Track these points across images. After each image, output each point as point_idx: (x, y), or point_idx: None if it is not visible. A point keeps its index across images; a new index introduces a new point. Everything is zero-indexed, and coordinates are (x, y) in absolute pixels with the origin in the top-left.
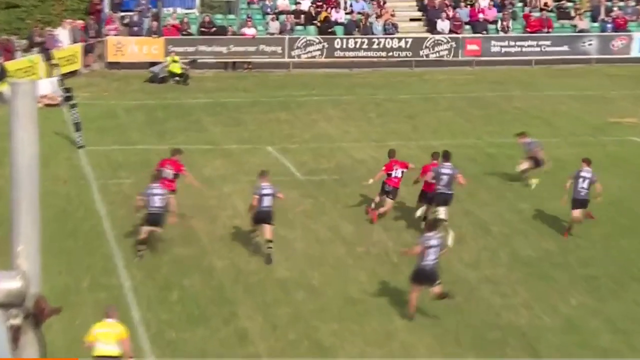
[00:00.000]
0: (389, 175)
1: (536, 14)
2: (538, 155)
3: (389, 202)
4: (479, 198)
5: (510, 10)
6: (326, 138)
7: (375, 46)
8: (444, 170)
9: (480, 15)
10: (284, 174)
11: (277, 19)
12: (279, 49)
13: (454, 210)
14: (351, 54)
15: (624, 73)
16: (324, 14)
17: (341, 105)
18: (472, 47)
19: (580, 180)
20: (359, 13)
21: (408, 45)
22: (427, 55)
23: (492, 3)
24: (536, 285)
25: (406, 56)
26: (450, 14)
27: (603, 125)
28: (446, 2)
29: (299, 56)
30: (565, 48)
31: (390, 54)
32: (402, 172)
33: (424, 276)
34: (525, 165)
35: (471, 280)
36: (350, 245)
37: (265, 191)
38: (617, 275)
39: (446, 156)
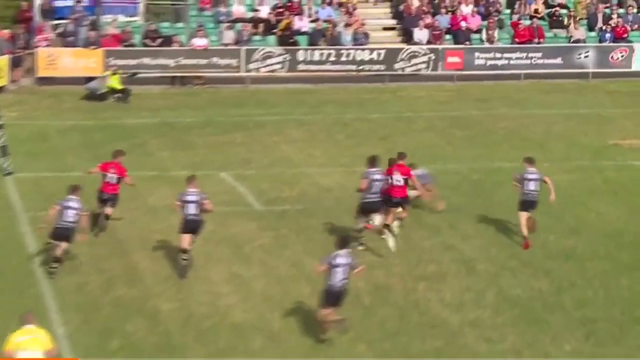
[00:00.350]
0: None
1: (526, 22)
2: (424, 187)
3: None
4: (462, 230)
5: (497, 18)
6: (288, 163)
7: (343, 58)
8: (376, 177)
9: (463, 24)
10: (239, 203)
11: (233, 28)
12: (234, 62)
13: (433, 243)
14: (316, 67)
15: (624, 89)
16: (285, 22)
17: (305, 126)
18: (453, 59)
19: (526, 182)
20: (325, 21)
21: (381, 58)
22: (402, 69)
23: (475, 10)
24: (526, 329)
25: (379, 70)
26: (429, 22)
27: (601, 148)
28: (424, 8)
29: (257, 70)
30: (558, 61)
31: (361, 67)
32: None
33: (333, 297)
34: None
35: (453, 324)
36: (316, 284)
37: (189, 197)
38: (617, 318)
39: (374, 161)
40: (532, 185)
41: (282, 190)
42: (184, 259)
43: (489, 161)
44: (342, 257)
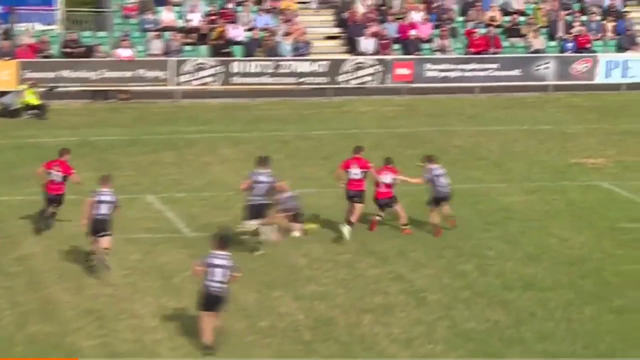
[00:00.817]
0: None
1: (481, 31)
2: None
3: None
4: (412, 258)
5: (449, 26)
6: (222, 185)
7: (282, 70)
8: (261, 178)
9: (412, 32)
10: (168, 229)
11: (161, 37)
12: (162, 75)
13: (380, 272)
14: (253, 80)
15: (587, 103)
16: (218, 31)
17: (240, 145)
18: (402, 71)
19: (436, 178)
20: (262, 29)
21: (323, 69)
22: (347, 82)
23: (426, 17)
24: None
25: (321, 83)
26: (376, 30)
27: (563, 168)
28: (370, 15)
29: (187, 83)
30: (516, 72)
31: (302, 80)
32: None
33: (209, 301)
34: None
35: None
36: (252, 319)
37: (103, 197)
38: (580, 352)
39: (263, 162)
40: (442, 180)
41: (215, 215)
42: (91, 260)
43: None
44: (220, 258)
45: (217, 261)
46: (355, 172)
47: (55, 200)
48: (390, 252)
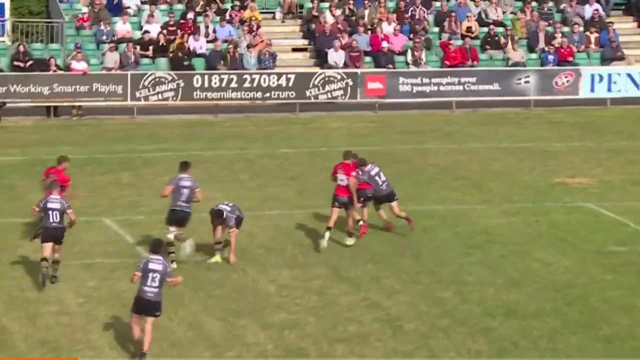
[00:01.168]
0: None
1: (457, 43)
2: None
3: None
4: (387, 285)
5: (424, 38)
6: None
7: (247, 85)
8: (183, 183)
9: (384, 44)
10: (126, 254)
11: (117, 49)
12: (119, 89)
13: (353, 300)
14: (215, 95)
15: (570, 119)
16: (178, 43)
17: (203, 164)
18: (374, 85)
19: (374, 178)
20: (224, 41)
21: (290, 83)
22: (315, 96)
23: (399, 28)
24: None
25: (288, 97)
26: (346, 42)
27: (546, 188)
28: (339, 26)
29: (145, 98)
30: (495, 87)
31: (267, 94)
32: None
33: (140, 305)
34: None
35: None
36: (217, 349)
37: (51, 204)
38: None
39: (184, 166)
40: (379, 179)
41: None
42: (45, 267)
43: (417, 204)
44: (153, 263)
45: (150, 265)
46: (341, 178)
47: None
48: (364, 278)
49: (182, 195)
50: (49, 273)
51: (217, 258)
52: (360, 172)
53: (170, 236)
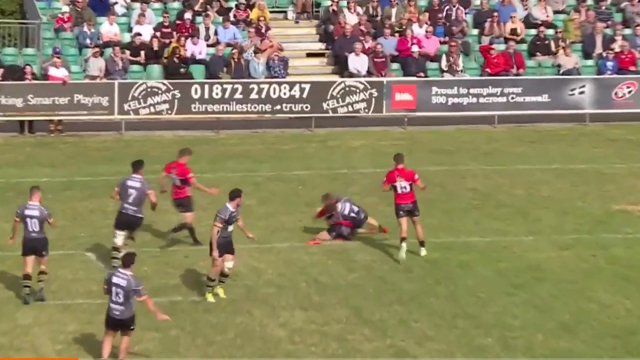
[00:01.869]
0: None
1: (500, 47)
2: None
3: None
4: (417, 330)
5: (461, 41)
6: (180, 237)
7: (254, 96)
8: (130, 183)
9: (415, 48)
10: None
11: (102, 55)
12: (104, 101)
13: (377, 347)
14: (217, 107)
15: (632, 136)
16: (173, 47)
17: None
18: (402, 96)
19: (353, 215)
20: (228, 45)
21: (305, 94)
22: (334, 110)
23: (431, 29)
24: None
25: (302, 110)
26: (369, 45)
27: (604, 216)
28: (362, 28)
29: (135, 111)
30: (543, 98)
31: (278, 107)
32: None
33: (110, 322)
34: None
35: None
36: None
37: (29, 212)
38: None
39: (136, 166)
40: (355, 211)
41: (170, 275)
42: (26, 287)
43: (452, 235)
44: (119, 277)
45: (115, 279)
46: (403, 185)
47: (179, 204)
48: (390, 321)
49: (129, 196)
50: (33, 290)
51: (210, 296)
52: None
53: (117, 240)
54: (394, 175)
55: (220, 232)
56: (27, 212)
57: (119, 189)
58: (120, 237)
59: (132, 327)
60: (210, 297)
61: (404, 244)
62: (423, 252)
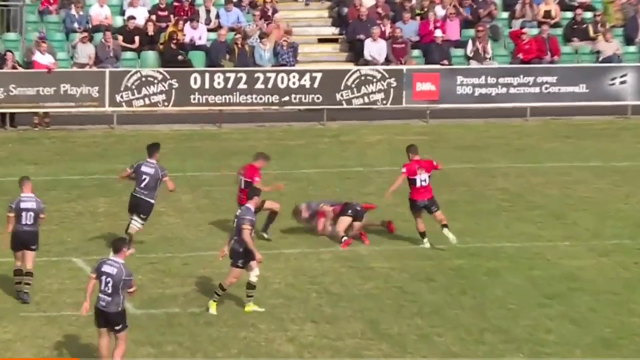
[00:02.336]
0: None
1: (532, 31)
2: None
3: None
4: (440, 345)
5: (489, 25)
6: (178, 242)
7: (259, 86)
8: (144, 169)
9: (438, 33)
10: None
11: (91, 40)
12: (94, 91)
13: None
14: (218, 99)
15: None
16: (170, 31)
17: (203, 187)
18: (424, 86)
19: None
20: (231, 30)
21: (316, 84)
22: (348, 101)
23: (454, 12)
24: None
25: (313, 102)
26: (387, 30)
27: None
28: (379, 10)
29: (128, 103)
30: (581, 88)
31: (286, 98)
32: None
33: (98, 316)
34: None
35: None
36: None
37: (26, 204)
38: None
39: (151, 150)
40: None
41: (167, 284)
42: (17, 283)
43: (479, 240)
44: (109, 265)
45: (104, 267)
46: (423, 178)
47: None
48: (410, 336)
49: (142, 182)
50: (28, 290)
51: (214, 307)
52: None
53: (132, 227)
54: (414, 167)
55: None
56: (23, 204)
57: (132, 171)
58: (134, 223)
59: (119, 326)
60: (213, 308)
61: (425, 239)
62: (450, 235)
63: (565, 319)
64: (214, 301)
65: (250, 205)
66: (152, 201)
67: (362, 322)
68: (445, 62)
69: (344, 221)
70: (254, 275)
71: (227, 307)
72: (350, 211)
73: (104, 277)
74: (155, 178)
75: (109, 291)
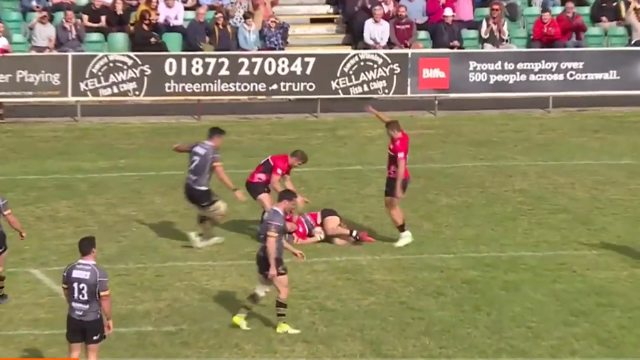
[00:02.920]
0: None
1: (555, 10)
2: None
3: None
4: None
5: (506, 3)
6: (150, 251)
7: (244, 72)
8: (197, 149)
9: (448, 12)
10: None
11: (52, 20)
12: (55, 79)
13: None
14: (197, 87)
15: None
16: (142, 10)
17: (179, 189)
18: (432, 72)
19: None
20: (211, 8)
21: (308, 71)
22: (345, 90)
23: None
24: None
25: (305, 91)
26: (390, 9)
27: None
28: None
29: (94, 92)
30: (611, 75)
31: (274, 86)
32: None
33: (71, 328)
34: None
35: None
36: None
37: None
38: None
39: (212, 133)
40: None
41: (139, 299)
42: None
43: (495, 248)
44: (79, 269)
45: (74, 273)
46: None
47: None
48: (416, 358)
49: (191, 163)
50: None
51: (286, 326)
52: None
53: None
54: (407, 142)
55: (277, 245)
56: None
57: (187, 148)
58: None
59: (96, 336)
60: (285, 328)
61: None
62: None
63: (592, 339)
64: (284, 322)
65: (279, 208)
66: (203, 188)
67: (362, 342)
68: (456, 45)
69: (333, 220)
70: (265, 291)
71: (207, 324)
72: (330, 211)
73: (76, 284)
74: (204, 161)
75: (85, 298)
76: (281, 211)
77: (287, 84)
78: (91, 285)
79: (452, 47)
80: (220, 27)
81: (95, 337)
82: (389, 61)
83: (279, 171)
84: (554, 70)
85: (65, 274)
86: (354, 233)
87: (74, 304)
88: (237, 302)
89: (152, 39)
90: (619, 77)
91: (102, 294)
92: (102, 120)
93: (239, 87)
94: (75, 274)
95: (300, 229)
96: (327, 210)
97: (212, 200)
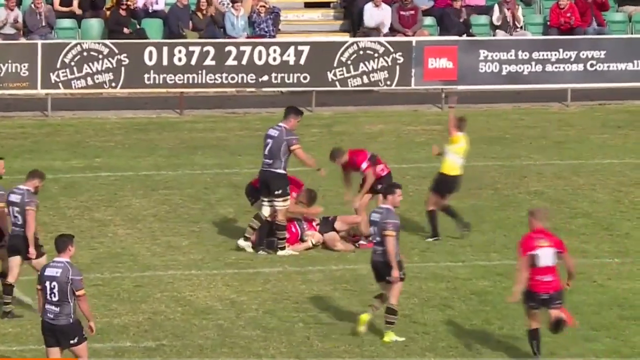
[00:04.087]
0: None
1: None
2: None
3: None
4: None
5: None
6: (128, 259)
7: (231, 62)
8: (270, 132)
9: None
10: (38, 336)
11: (19, 5)
12: (23, 69)
13: None
14: (179, 78)
15: None
16: None
17: (160, 190)
18: (439, 62)
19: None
20: None
21: (302, 60)
22: (342, 82)
23: None
24: None
25: (299, 83)
26: None
27: None
28: None
29: (66, 84)
30: (635, 66)
31: (264, 78)
32: None
33: (45, 331)
34: None
35: None
36: None
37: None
38: None
39: (288, 112)
40: None
41: (115, 311)
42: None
43: (509, 256)
44: (52, 267)
45: (47, 271)
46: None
47: None
48: None
49: (265, 147)
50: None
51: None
52: None
53: (263, 211)
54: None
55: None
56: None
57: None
58: (265, 207)
59: (74, 339)
60: (393, 337)
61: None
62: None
63: (615, 356)
64: (390, 330)
65: (389, 204)
66: (280, 171)
67: (361, 358)
68: (466, 33)
69: (331, 239)
70: (393, 297)
71: (190, 340)
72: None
73: (47, 283)
74: (279, 143)
75: (56, 299)
76: (392, 207)
77: (279, 75)
78: (62, 283)
79: (461, 35)
80: (205, 12)
81: (72, 341)
82: (391, 50)
83: (365, 164)
84: (572, 59)
85: (39, 273)
86: (357, 243)
87: (47, 306)
88: (223, 315)
89: (125, 30)
90: None
91: (77, 293)
92: (75, 115)
93: (226, 78)
94: (48, 271)
95: (293, 229)
96: (325, 221)
97: (287, 191)
